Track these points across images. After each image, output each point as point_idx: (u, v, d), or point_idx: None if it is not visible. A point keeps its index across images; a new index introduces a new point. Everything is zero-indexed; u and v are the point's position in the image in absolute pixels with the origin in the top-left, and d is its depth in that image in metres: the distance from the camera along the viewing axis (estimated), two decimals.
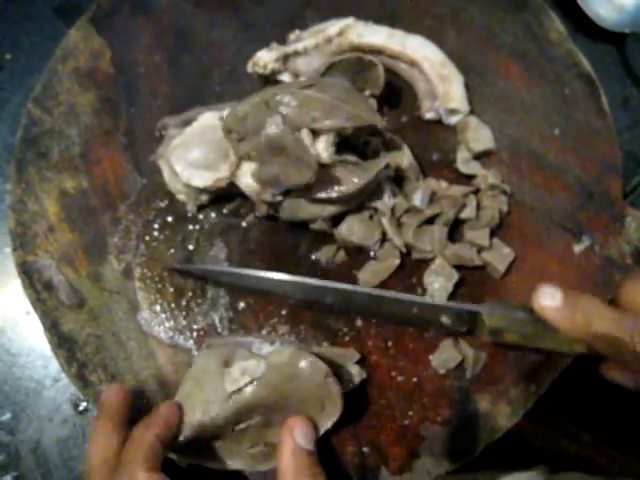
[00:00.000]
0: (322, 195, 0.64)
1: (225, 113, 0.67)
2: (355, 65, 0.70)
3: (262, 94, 0.64)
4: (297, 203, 0.66)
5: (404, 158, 0.70)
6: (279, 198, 0.66)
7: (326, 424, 0.61)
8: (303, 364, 0.60)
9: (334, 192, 0.64)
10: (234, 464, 0.63)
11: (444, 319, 0.66)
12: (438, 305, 0.66)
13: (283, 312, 0.69)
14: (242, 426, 0.61)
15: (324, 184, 0.64)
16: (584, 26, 0.87)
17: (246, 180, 0.66)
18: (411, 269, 0.71)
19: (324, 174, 0.63)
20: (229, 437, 0.61)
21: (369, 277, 0.70)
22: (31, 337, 0.74)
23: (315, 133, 0.63)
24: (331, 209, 0.66)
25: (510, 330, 0.61)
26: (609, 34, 0.87)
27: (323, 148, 0.63)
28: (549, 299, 0.53)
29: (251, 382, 0.60)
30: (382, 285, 0.70)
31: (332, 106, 0.63)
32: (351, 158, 0.65)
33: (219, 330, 0.68)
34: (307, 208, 0.66)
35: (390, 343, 0.69)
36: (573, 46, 0.78)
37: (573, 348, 0.58)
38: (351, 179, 0.64)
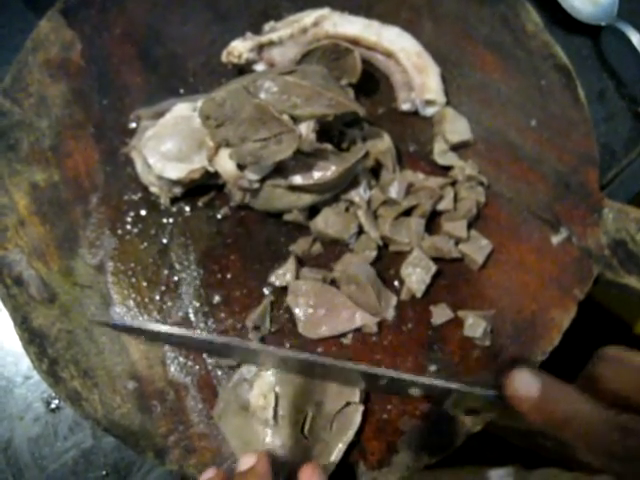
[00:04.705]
0: (299, 181, 0.64)
1: (199, 104, 0.66)
2: (331, 53, 0.70)
3: (241, 80, 0.64)
4: (272, 192, 0.65)
5: (384, 143, 0.70)
6: (256, 185, 0.65)
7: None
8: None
9: (312, 179, 0.63)
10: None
11: (413, 391, 0.62)
12: (407, 380, 0.61)
13: (258, 305, 0.68)
14: (307, 424, 0.63)
15: (302, 170, 0.64)
16: (560, 19, 0.87)
17: (223, 166, 0.65)
18: (388, 261, 0.71)
19: (302, 160, 0.63)
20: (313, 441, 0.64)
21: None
22: (1, 334, 0.73)
23: (296, 120, 0.62)
24: (307, 199, 0.66)
25: (485, 410, 0.60)
26: (585, 27, 0.87)
27: (304, 135, 0.62)
28: (524, 389, 0.49)
29: (275, 391, 0.62)
30: None
31: (313, 92, 0.63)
32: (330, 147, 0.65)
33: (194, 324, 0.67)
34: (282, 197, 0.66)
35: (368, 335, 0.68)
36: (549, 38, 0.78)
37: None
38: (330, 166, 0.64)
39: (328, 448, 0.63)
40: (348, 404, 0.65)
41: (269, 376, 0.63)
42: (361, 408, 0.65)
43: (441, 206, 0.71)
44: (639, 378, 0.49)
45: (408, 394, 0.63)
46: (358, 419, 0.64)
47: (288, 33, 0.72)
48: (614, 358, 0.50)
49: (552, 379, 0.50)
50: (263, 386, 0.63)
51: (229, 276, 0.69)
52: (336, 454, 0.63)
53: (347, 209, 0.69)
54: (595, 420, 0.47)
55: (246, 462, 0.58)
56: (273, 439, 0.61)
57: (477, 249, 0.70)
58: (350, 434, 0.64)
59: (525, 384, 0.49)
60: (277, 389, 0.63)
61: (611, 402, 0.49)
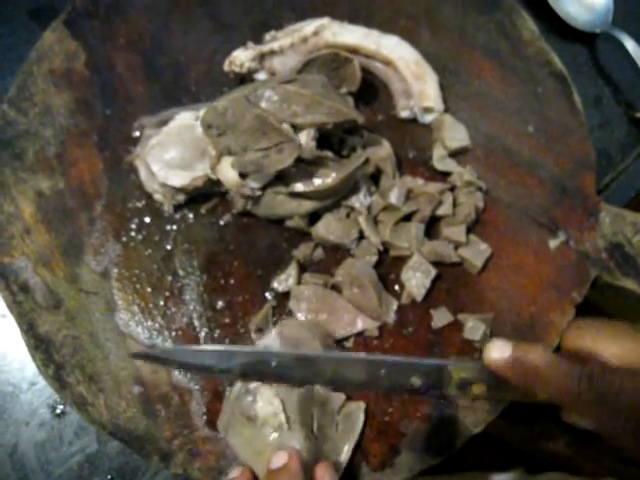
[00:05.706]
0: (300, 188, 0.65)
1: (202, 112, 0.67)
2: (331, 62, 0.71)
3: (242, 89, 0.65)
4: (274, 199, 0.66)
5: (383, 149, 0.71)
6: (258, 193, 0.66)
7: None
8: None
9: (312, 185, 0.64)
10: None
11: (414, 380, 0.60)
12: (405, 362, 0.60)
13: (261, 310, 0.69)
14: (314, 424, 0.64)
15: (303, 177, 0.64)
16: (555, 26, 0.88)
17: (225, 174, 0.66)
18: (389, 266, 0.71)
19: (303, 168, 0.64)
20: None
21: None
22: (7, 340, 0.73)
23: (296, 128, 0.63)
24: (307, 205, 0.67)
25: (476, 381, 0.61)
26: (580, 34, 0.88)
27: (304, 143, 0.63)
28: (498, 352, 0.54)
29: (280, 397, 0.63)
30: None
31: (313, 101, 0.64)
32: (330, 154, 0.65)
33: (197, 330, 0.68)
34: (284, 204, 0.66)
35: (369, 339, 0.69)
36: (545, 45, 0.79)
37: (536, 397, 0.58)
38: (330, 173, 0.64)
39: (336, 447, 0.64)
40: (349, 399, 0.66)
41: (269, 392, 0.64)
42: (363, 405, 0.66)
43: (440, 211, 0.72)
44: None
45: (410, 387, 0.60)
46: (361, 417, 0.65)
47: (289, 42, 0.73)
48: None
49: (524, 342, 0.55)
50: (267, 395, 0.63)
51: (232, 281, 0.70)
52: (345, 453, 0.64)
53: (348, 215, 0.70)
54: (563, 371, 0.52)
55: (278, 460, 0.59)
56: (288, 443, 0.61)
57: (476, 253, 0.71)
58: (356, 432, 0.65)
59: (499, 348, 0.54)
60: (280, 395, 0.63)
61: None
